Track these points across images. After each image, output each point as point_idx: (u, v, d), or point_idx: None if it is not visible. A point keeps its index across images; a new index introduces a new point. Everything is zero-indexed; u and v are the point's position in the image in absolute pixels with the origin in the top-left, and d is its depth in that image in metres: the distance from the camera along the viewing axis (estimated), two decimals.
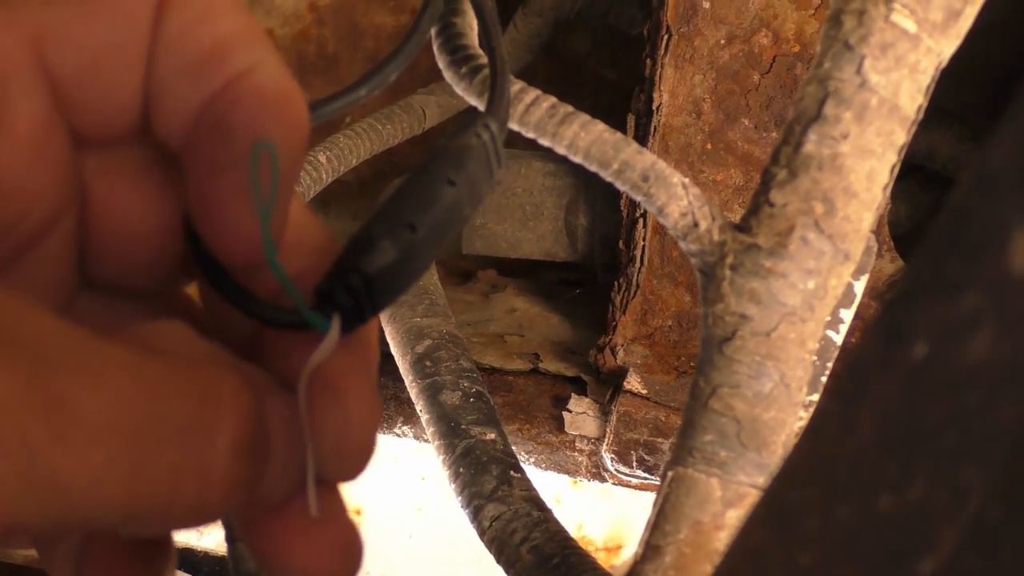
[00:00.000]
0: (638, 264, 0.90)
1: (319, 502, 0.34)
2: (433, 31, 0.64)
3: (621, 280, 0.93)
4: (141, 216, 0.35)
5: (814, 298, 0.57)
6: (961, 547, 0.27)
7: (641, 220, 0.91)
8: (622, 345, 0.90)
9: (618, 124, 0.96)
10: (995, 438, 0.28)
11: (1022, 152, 0.30)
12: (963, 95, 1.02)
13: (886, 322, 0.35)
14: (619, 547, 1.19)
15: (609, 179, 0.60)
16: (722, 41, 0.87)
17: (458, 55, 0.63)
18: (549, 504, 0.75)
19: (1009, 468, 0.27)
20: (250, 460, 0.29)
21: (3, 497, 0.24)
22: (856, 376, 0.36)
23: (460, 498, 0.75)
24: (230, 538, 0.66)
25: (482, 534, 0.72)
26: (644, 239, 0.90)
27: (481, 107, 0.62)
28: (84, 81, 0.31)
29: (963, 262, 0.31)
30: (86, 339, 0.26)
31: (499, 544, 0.70)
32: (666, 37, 0.88)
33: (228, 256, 0.33)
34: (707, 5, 0.87)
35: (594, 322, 1.02)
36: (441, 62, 0.64)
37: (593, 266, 1.08)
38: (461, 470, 0.75)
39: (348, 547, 0.35)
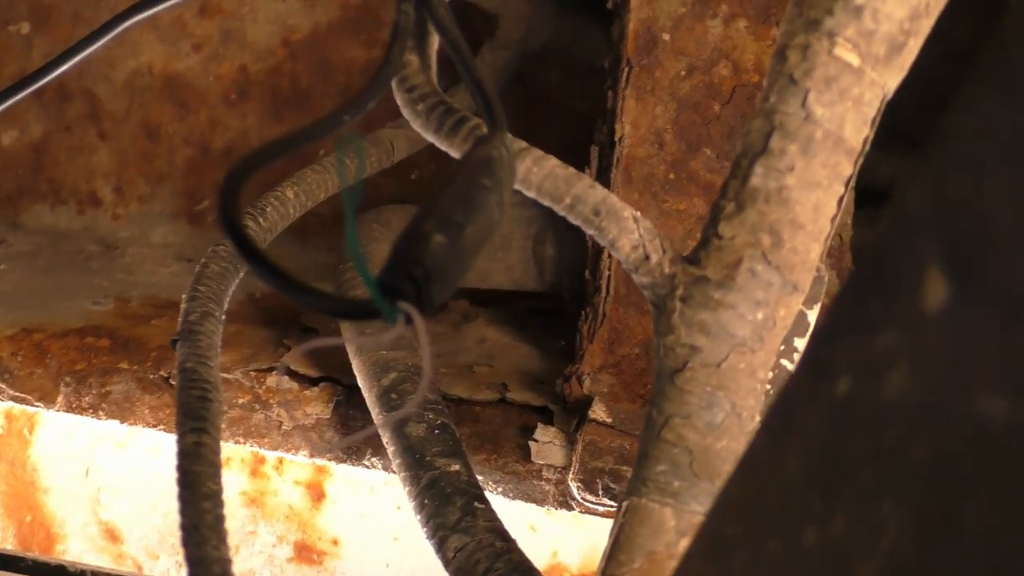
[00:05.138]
0: (604, 293, 0.91)
1: None
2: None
3: (588, 309, 0.94)
4: None
5: (763, 329, 0.57)
6: None
7: (606, 250, 0.92)
8: (589, 374, 0.91)
9: (589, 156, 0.97)
10: (909, 475, 0.28)
11: (935, 192, 0.31)
12: (928, 122, 1.03)
13: (812, 358, 0.36)
14: (593, 574, 1.19)
15: (562, 213, 0.61)
16: (682, 72, 0.88)
17: (414, 93, 0.64)
18: (524, 532, 0.76)
19: (922, 505, 0.28)
20: None
21: None
22: (784, 411, 0.37)
23: (425, 529, 0.75)
24: None
25: (447, 564, 0.73)
26: (609, 268, 0.91)
27: (438, 143, 0.63)
28: None
29: (881, 300, 0.32)
30: None
31: (463, 575, 0.71)
32: (627, 69, 0.89)
33: None
34: (667, 37, 0.88)
35: (564, 351, 1.03)
36: (399, 100, 0.65)
37: (563, 295, 1.09)
38: (426, 501, 0.76)
39: None
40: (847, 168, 0.57)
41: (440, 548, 0.73)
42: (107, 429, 1.31)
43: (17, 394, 1.06)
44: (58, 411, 1.05)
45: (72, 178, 1.39)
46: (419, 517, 0.76)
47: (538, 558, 0.73)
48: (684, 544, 0.57)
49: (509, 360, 1.05)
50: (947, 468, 0.27)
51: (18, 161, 1.39)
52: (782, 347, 0.60)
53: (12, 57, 1.38)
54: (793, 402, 0.36)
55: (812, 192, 0.56)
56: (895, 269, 0.32)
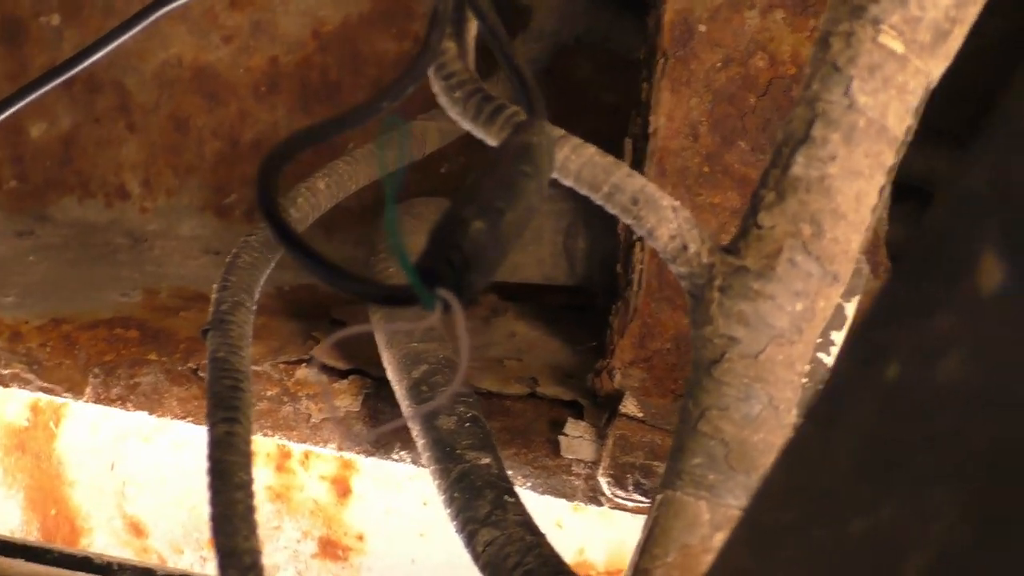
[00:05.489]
0: (636, 287, 0.90)
1: None
2: None
3: (619, 303, 0.93)
4: None
5: (802, 320, 0.56)
6: (930, 570, 0.27)
7: (639, 243, 0.91)
8: (620, 368, 0.90)
9: (619, 149, 0.96)
10: (965, 462, 0.28)
11: (991, 174, 0.30)
12: (960, 116, 1.02)
13: (861, 343, 0.35)
14: (620, 571, 1.19)
15: (599, 202, 0.60)
16: (718, 64, 0.87)
17: (452, 80, 0.63)
18: (550, 529, 0.75)
19: (980, 493, 0.27)
20: None
21: None
22: (831, 398, 0.36)
23: (455, 523, 0.75)
24: None
25: (476, 559, 0.72)
26: (642, 262, 0.90)
27: (475, 130, 0.62)
28: None
29: (936, 283, 0.31)
30: None
31: (493, 569, 0.70)
32: (662, 61, 0.88)
33: None
34: (703, 29, 0.87)
35: (595, 346, 1.02)
36: (436, 87, 0.64)
37: (593, 289, 1.08)
38: (456, 495, 0.75)
39: None
40: (889, 157, 0.56)
41: (470, 542, 0.73)
42: (132, 423, 1.31)
43: (45, 385, 1.06)
44: (86, 402, 1.05)
45: (100, 171, 1.38)
46: (449, 510, 0.75)
47: (564, 555, 0.72)
48: (719, 538, 0.56)
49: (539, 354, 1.04)
50: (1005, 455, 0.26)
51: (47, 153, 1.39)
52: (819, 340, 0.59)
53: (42, 48, 1.38)
54: (839, 388, 0.35)
55: (854, 181, 0.55)
56: (949, 253, 0.31)
